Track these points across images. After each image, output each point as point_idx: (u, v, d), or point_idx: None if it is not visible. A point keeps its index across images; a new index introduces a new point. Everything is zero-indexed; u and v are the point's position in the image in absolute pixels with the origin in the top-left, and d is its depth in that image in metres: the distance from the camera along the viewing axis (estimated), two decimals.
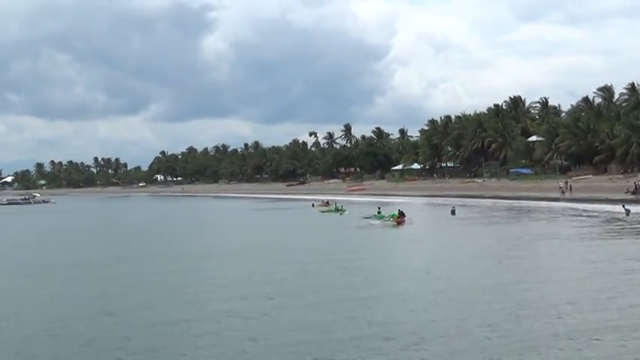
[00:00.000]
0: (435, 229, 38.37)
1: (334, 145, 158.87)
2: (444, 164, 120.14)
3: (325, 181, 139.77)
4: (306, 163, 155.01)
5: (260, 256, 26.65)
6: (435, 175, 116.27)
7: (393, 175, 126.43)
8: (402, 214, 41.56)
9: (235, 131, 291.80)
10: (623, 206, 40.79)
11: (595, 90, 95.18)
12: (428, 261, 24.41)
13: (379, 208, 47.67)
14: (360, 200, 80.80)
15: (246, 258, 26.23)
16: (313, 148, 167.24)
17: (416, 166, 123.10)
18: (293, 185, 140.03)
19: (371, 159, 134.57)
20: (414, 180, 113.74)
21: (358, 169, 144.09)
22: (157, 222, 52.70)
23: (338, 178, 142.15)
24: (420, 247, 29.54)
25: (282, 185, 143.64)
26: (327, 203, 64.06)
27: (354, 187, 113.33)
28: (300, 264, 23.51)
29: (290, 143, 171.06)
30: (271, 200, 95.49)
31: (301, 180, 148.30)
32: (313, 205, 66.02)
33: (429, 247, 29.52)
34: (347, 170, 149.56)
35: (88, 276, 22.19)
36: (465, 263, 22.80)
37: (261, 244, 31.24)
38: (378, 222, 41.74)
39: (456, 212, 46.59)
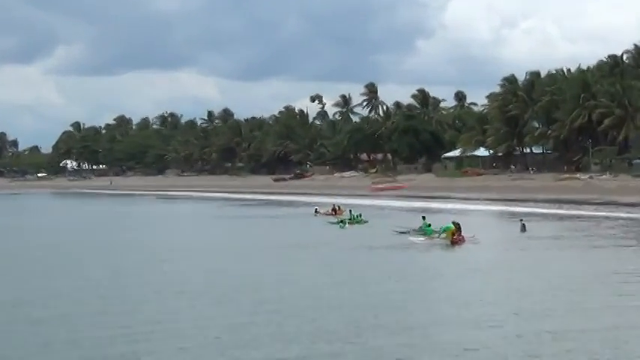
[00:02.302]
0: (511, 255, 38.28)
1: (351, 117, 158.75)
2: (526, 149, 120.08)
3: (336, 174, 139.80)
4: (305, 144, 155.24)
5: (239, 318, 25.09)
6: (512, 167, 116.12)
7: (446, 167, 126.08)
8: (459, 229, 42.10)
9: (192, 92, 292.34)
10: (521, 221, 48.88)
11: None
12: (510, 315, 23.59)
13: (424, 217, 48.36)
14: (391, 205, 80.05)
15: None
16: (317, 121, 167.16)
17: (482, 152, 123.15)
18: (284, 180, 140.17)
19: (410, 140, 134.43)
20: (479, 174, 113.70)
21: (389, 156, 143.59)
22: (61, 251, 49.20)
23: (357, 170, 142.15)
24: (496, 288, 28.96)
25: (267, 179, 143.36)
26: (339, 209, 65.41)
27: (383, 185, 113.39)
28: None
29: (280, 112, 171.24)
30: (249, 203, 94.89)
31: (298, 172, 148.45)
32: (317, 212, 66.93)
33: (505, 286, 28.99)
34: (372, 157, 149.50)
35: None
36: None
37: (236, 291, 29.86)
38: (422, 239, 43.03)
39: (526, 228, 48.01)
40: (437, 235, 42.81)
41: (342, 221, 56.72)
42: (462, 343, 19.39)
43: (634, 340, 19.52)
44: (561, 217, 60.29)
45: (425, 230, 44.45)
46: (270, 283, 29.87)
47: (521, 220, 49.47)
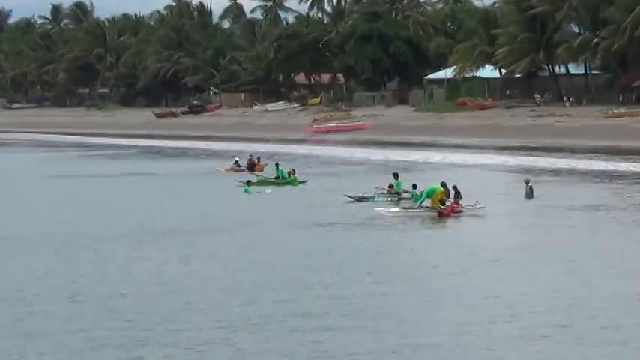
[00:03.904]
0: (526, 239, 38.87)
1: (280, 16, 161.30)
2: (560, 69, 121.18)
3: (257, 107, 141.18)
4: (207, 59, 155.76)
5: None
6: (537, 97, 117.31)
7: (431, 95, 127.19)
8: (455, 195, 42.87)
9: None
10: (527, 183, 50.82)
11: None
12: None
13: (396, 175, 49.54)
14: (343, 156, 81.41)
15: None
16: (227, 22, 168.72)
17: (489, 72, 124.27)
18: (174, 116, 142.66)
19: (374, 52, 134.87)
20: (484, 107, 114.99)
21: (341, 78, 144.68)
22: None
23: (290, 100, 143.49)
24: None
25: (146, 114, 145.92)
26: (258, 163, 67.30)
27: (331, 125, 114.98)
28: None
29: (167, 8, 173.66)
30: (118, 153, 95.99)
31: (196, 103, 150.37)
32: (238, 165, 67.67)
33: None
34: (313, 80, 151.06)
35: None
36: None
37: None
38: (394, 210, 44.48)
39: (533, 192, 49.26)
40: (416, 201, 43.41)
41: (248, 183, 55.66)
42: None
43: None
44: (609, 176, 60.48)
45: (412, 195, 45.03)
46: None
47: (528, 182, 50.15)
